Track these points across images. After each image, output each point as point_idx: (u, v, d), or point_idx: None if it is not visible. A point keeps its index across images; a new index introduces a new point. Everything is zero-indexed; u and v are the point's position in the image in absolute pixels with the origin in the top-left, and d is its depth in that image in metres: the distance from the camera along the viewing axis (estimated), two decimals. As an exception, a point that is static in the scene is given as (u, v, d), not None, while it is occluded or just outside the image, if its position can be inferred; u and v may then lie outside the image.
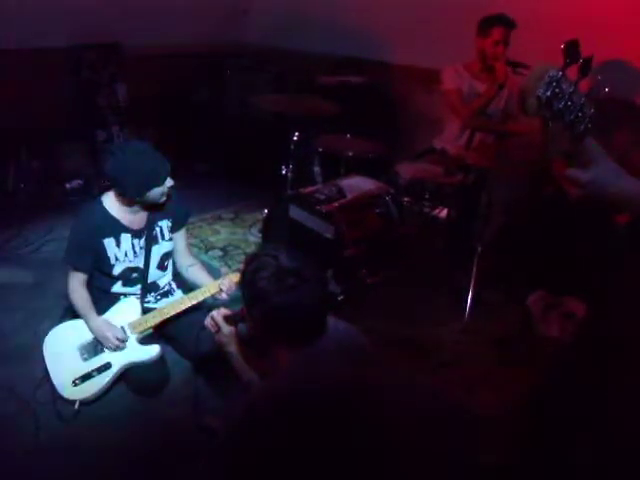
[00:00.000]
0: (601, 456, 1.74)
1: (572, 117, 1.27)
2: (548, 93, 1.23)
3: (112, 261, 2.62)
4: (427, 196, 3.58)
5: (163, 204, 2.62)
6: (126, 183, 2.47)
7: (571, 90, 1.25)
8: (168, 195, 2.58)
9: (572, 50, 1.27)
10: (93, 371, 2.51)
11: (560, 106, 1.25)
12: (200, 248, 4.07)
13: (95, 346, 2.57)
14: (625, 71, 3.60)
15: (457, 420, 2.36)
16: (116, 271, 2.64)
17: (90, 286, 2.68)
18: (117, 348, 2.54)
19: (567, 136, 1.31)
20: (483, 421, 2.60)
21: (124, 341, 2.56)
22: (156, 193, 2.51)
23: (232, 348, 2.10)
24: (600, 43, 3.57)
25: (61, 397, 2.47)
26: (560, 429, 1.89)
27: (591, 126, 1.30)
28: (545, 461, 1.93)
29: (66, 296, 2.66)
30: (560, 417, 1.89)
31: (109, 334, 2.53)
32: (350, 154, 3.79)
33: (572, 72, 1.27)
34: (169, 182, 2.51)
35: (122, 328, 2.59)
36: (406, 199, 3.61)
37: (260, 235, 3.99)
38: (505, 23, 3.49)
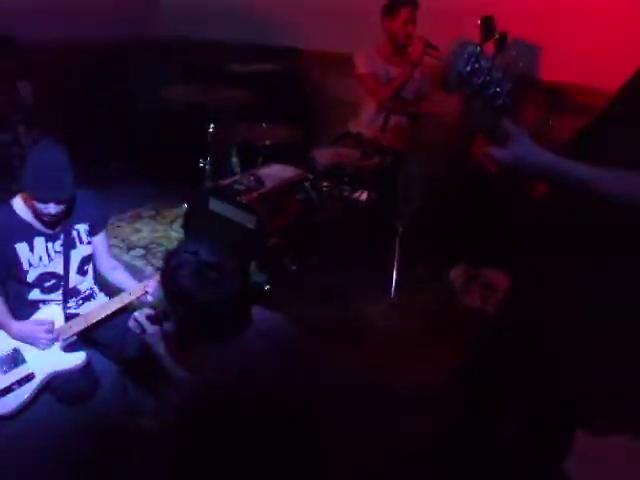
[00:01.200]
0: (525, 425, 1.83)
1: (491, 92, 1.31)
2: (468, 68, 1.27)
3: (25, 267, 2.51)
4: (346, 180, 3.62)
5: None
6: (24, 181, 2.37)
7: (489, 65, 1.29)
8: (52, 217, 2.43)
9: (488, 26, 1.32)
10: (13, 384, 2.40)
11: (480, 81, 1.29)
12: (121, 248, 3.97)
13: (15, 357, 2.46)
14: (528, 48, 3.75)
15: (388, 400, 2.44)
16: (31, 277, 2.54)
17: (7, 295, 2.56)
18: (50, 343, 2.45)
19: (487, 112, 1.35)
20: (415, 399, 2.69)
21: (53, 333, 2.46)
22: (40, 207, 2.38)
23: (159, 348, 2.07)
24: (511, 21, 3.74)
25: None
26: (487, 400, 1.97)
27: (509, 101, 1.35)
28: (474, 433, 2.01)
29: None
30: (487, 388, 1.97)
31: (36, 332, 2.44)
32: (267, 142, 3.79)
33: (488, 48, 1.32)
34: (53, 208, 2.37)
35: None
36: (325, 184, 3.63)
37: (182, 231, 3.93)
38: (410, 3, 3.58)
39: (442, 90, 3.64)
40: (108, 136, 5.01)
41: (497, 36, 1.37)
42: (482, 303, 3.41)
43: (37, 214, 2.44)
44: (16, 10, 4.45)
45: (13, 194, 2.57)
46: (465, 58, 1.27)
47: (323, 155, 3.74)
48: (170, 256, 1.76)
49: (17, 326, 2.47)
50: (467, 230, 3.52)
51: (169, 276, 1.71)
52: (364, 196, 3.81)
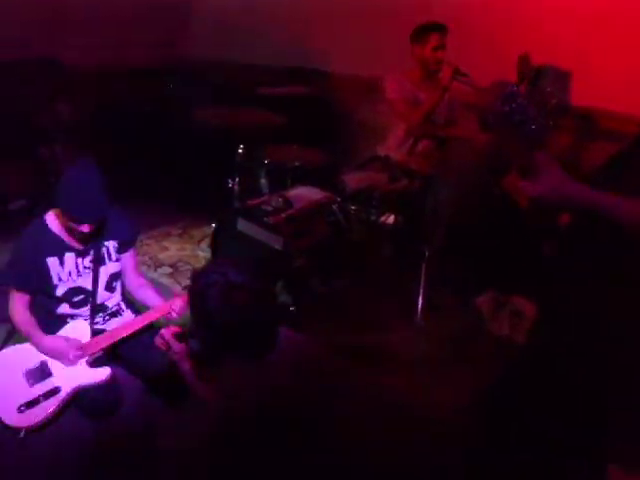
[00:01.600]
0: (545, 448, 1.81)
1: (527, 128, 1.34)
2: (507, 107, 1.30)
3: (55, 281, 2.54)
4: (374, 203, 3.62)
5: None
6: (60, 200, 2.41)
7: (525, 103, 1.33)
8: (85, 235, 2.46)
9: (524, 64, 1.37)
10: (40, 396, 2.41)
11: (517, 119, 1.32)
12: (149, 266, 4.02)
13: (42, 370, 2.48)
14: (560, 75, 3.74)
15: (406, 422, 2.41)
16: (59, 292, 2.57)
17: (36, 308, 2.60)
18: (75, 360, 2.46)
19: (523, 147, 1.38)
20: (436, 422, 2.65)
21: (80, 352, 2.48)
22: (73, 226, 2.42)
23: (184, 365, 2.08)
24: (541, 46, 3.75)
25: (5, 426, 2.37)
26: (508, 422, 1.95)
27: (544, 135, 1.38)
28: (495, 455, 1.98)
29: (9, 320, 2.57)
30: (508, 411, 1.95)
31: (65, 348, 2.45)
32: (296, 164, 3.81)
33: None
34: (86, 228, 2.41)
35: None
36: (353, 207, 3.64)
37: (209, 250, 3.97)
38: (439, 29, 3.59)
39: (471, 116, 3.64)
40: (139, 154, 5.10)
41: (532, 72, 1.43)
42: (510, 331, 3.36)
43: (70, 231, 2.48)
44: (60, 33, 4.61)
45: (47, 209, 2.62)
46: (503, 98, 1.30)
47: (351, 178, 3.75)
48: (199, 276, 1.76)
49: (46, 340, 2.49)
50: (495, 256, 3.49)
51: (197, 296, 1.72)
52: (391, 219, 3.81)
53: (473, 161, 3.87)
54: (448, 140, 3.89)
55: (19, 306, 2.54)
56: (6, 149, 4.49)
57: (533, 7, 3.90)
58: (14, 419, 2.37)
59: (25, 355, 2.50)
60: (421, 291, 3.45)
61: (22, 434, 2.36)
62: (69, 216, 2.39)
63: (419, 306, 3.45)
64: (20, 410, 2.38)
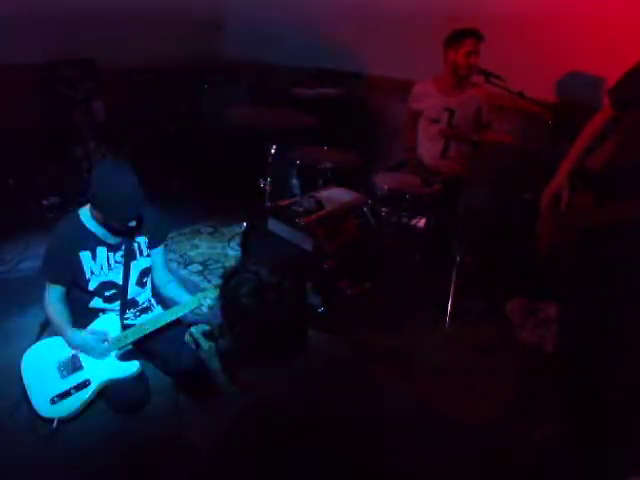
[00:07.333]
0: None
1: None
2: None
3: (88, 275, 2.59)
4: (405, 206, 3.61)
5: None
6: (96, 202, 2.46)
7: None
8: (131, 226, 2.54)
9: None
10: (71, 388, 2.47)
11: None
12: (179, 263, 4.06)
13: (74, 363, 2.53)
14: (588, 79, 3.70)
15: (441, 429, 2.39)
16: (92, 286, 2.61)
17: (71, 302, 2.65)
18: (104, 353, 2.51)
19: None
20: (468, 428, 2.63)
21: (107, 341, 2.52)
22: (116, 225, 2.50)
23: (213, 364, 2.09)
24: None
25: (39, 416, 2.42)
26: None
27: None
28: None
29: (43, 312, 2.63)
30: None
31: (90, 341, 2.50)
32: (328, 165, 3.81)
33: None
34: (131, 223, 2.49)
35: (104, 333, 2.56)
36: (384, 209, 3.63)
37: (239, 249, 3.99)
38: (475, 35, 3.56)
39: (504, 119, 3.59)
40: (173, 153, 5.16)
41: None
42: (539, 339, 3.30)
43: (108, 226, 2.53)
44: (97, 35, 4.69)
45: (79, 205, 2.67)
46: None
47: (384, 180, 3.74)
48: (230, 274, 1.76)
49: (72, 335, 2.54)
50: (526, 262, 3.44)
51: (229, 294, 1.72)
52: (422, 223, 3.78)
53: (504, 165, 3.83)
54: (479, 144, 3.85)
55: (53, 299, 2.59)
56: (41, 147, 4.59)
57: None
58: (47, 410, 2.42)
59: (58, 348, 2.56)
60: (451, 296, 3.42)
61: (54, 424, 2.41)
62: (106, 215, 2.44)
63: (448, 311, 3.42)
64: (53, 401, 2.43)
